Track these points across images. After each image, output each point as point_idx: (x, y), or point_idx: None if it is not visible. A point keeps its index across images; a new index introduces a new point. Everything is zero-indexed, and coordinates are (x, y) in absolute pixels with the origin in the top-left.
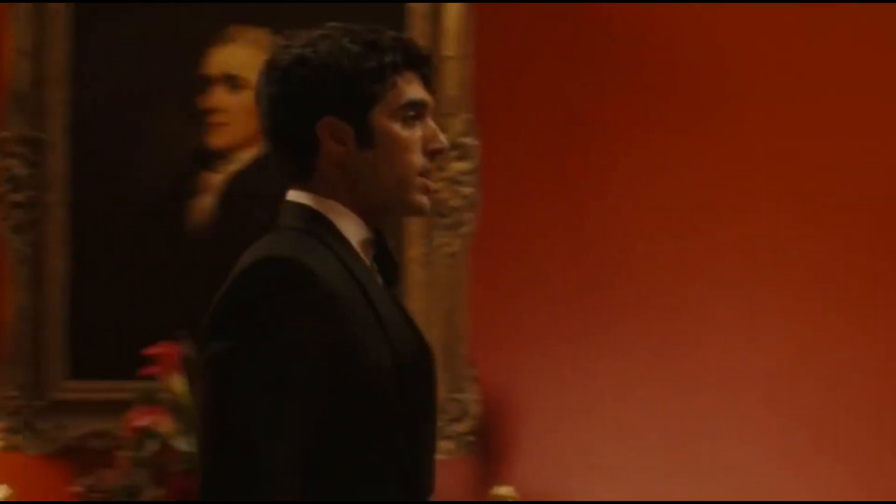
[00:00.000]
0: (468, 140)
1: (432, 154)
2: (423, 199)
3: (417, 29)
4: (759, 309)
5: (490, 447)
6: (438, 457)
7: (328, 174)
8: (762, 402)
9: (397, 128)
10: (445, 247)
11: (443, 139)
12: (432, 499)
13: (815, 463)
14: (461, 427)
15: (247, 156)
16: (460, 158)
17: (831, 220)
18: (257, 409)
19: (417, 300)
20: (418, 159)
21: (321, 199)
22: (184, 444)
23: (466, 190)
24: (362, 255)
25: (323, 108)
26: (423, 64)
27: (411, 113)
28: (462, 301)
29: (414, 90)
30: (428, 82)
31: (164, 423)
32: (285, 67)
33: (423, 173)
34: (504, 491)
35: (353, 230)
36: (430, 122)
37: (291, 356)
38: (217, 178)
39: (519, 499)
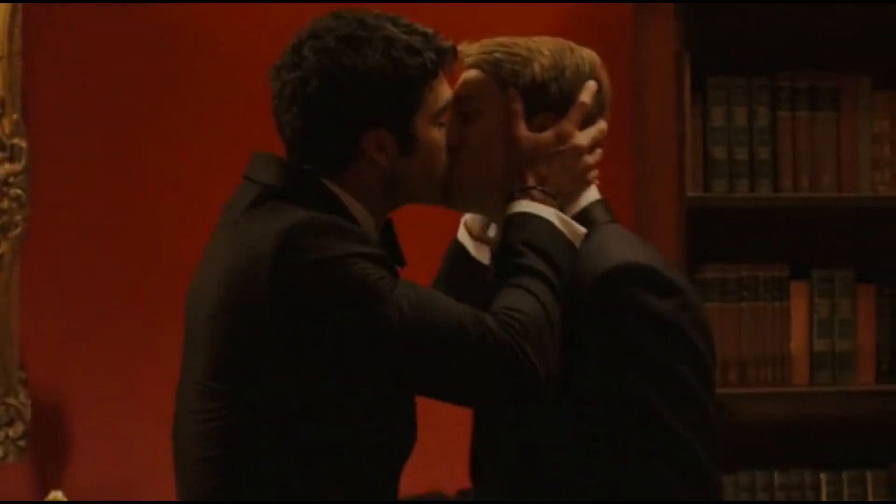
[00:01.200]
0: (17, 141)
1: (448, 150)
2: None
3: None
4: None
5: (43, 451)
6: None
7: (359, 175)
8: None
9: (436, 133)
10: None
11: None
12: None
13: None
14: (13, 432)
15: None
16: (9, 160)
17: None
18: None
19: None
20: (445, 158)
21: (344, 193)
22: None
23: (16, 192)
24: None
25: (371, 121)
26: (452, 59)
27: (443, 117)
28: (12, 303)
29: (446, 90)
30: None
31: None
32: (329, 74)
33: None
34: (54, 495)
35: (363, 222)
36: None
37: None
38: None
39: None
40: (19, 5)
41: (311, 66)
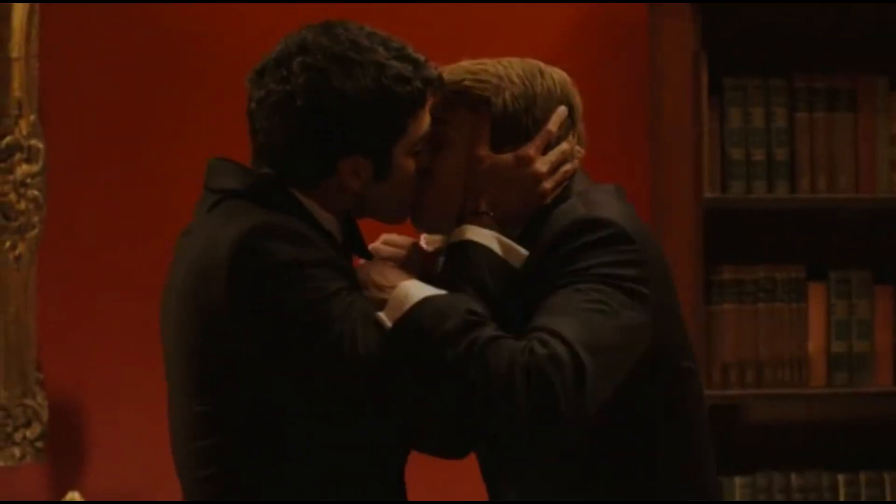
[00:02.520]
0: (34, 142)
1: (418, 175)
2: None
3: None
4: None
5: (60, 452)
6: (4, 464)
7: (326, 194)
8: None
9: (410, 162)
10: (12, 250)
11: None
12: None
13: None
14: (30, 433)
15: None
16: (27, 161)
17: None
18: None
19: None
20: (414, 184)
21: (307, 199)
22: None
23: (33, 193)
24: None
25: (352, 146)
26: (438, 88)
27: (420, 146)
28: (30, 304)
29: (427, 120)
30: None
31: None
32: (318, 95)
33: None
34: (71, 496)
35: (322, 219)
36: None
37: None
38: None
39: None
40: (36, 7)
41: (300, 83)
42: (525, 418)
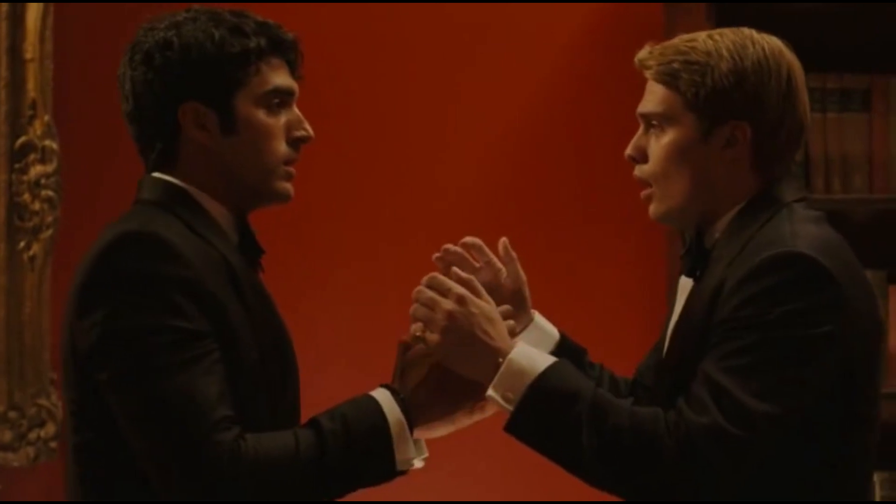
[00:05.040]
0: (48, 143)
1: (296, 142)
2: (287, 187)
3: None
4: None
5: None
6: (19, 465)
7: (191, 160)
8: None
9: (261, 115)
10: (26, 251)
11: (307, 127)
12: None
13: None
14: (44, 433)
15: None
16: (41, 162)
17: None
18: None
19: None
20: (282, 147)
21: (185, 184)
22: None
23: (47, 193)
24: (230, 234)
25: (185, 92)
26: (289, 50)
27: (276, 100)
28: (44, 305)
29: (279, 77)
30: (294, 68)
31: None
32: (148, 51)
33: (287, 161)
34: None
35: (217, 214)
36: (295, 110)
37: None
38: None
39: None
40: (51, 7)
41: (135, 45)
42: (680, 492)
